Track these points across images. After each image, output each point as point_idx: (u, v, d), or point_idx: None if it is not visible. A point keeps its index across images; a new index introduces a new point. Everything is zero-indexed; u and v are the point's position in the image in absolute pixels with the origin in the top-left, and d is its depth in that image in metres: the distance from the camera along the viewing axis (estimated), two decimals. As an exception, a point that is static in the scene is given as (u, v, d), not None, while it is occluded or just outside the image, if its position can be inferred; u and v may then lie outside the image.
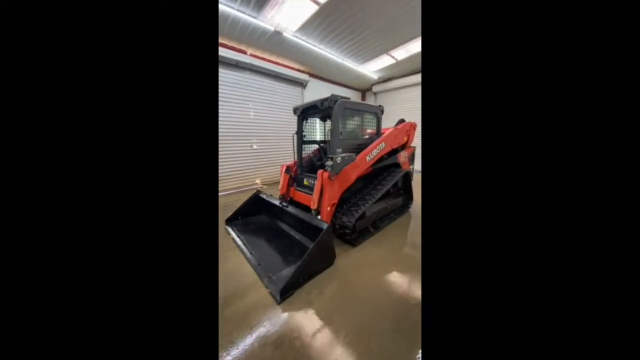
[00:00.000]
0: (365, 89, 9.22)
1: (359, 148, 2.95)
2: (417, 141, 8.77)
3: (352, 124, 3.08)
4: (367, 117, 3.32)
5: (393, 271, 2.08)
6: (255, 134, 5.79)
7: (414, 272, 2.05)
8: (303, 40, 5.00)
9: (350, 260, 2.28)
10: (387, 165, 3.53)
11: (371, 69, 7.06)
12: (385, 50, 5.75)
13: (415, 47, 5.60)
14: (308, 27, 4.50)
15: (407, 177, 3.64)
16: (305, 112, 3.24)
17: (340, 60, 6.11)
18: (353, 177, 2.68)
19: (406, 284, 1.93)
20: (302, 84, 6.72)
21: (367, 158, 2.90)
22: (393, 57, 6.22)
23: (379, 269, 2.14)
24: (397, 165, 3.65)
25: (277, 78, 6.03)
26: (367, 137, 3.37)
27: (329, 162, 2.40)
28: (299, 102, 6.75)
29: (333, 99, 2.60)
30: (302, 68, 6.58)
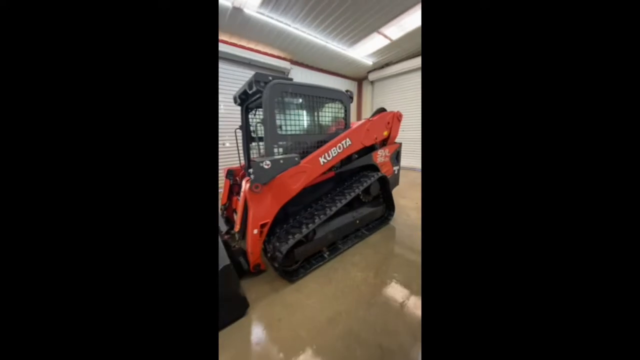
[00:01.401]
0: (360, 78, 8.30)
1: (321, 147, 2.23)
2: (411, 136, 8.00)
3: (303, 114, 2.34)
4: (330, 105, 2.57)
5: (338, 323, 1.40)
6: (227, 130, 5.19)
7: (370, 329, 1.36)
8: (271, 18, 4.25)
9: (274, 308, 1.61)
10: (361, 167, 2.79)
11: (363, 53, 6.15)
12: (375, 27, 4.86)
13: (410, 22, 4.66)
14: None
15: (384, 181, 2.87)
16: (246, 101, 2.54)
17: (322, 43, 5.29)
18: (295, 186, 1.97)
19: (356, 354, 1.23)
20: (283, 73, 5.99)
21: (322, 160, 2.18)
22: (386, 37, 5.29)
23: (314, 323, 1.46)
24: (374, 168, 2.89)
25: (252, 66, 5.34)
26: (335, 132, 2.64)
27: (251, 169, 1.72)
28: (281, 94, 6.04)
29: (261, 79, 1.88)
30: (282, 54, 5.83)
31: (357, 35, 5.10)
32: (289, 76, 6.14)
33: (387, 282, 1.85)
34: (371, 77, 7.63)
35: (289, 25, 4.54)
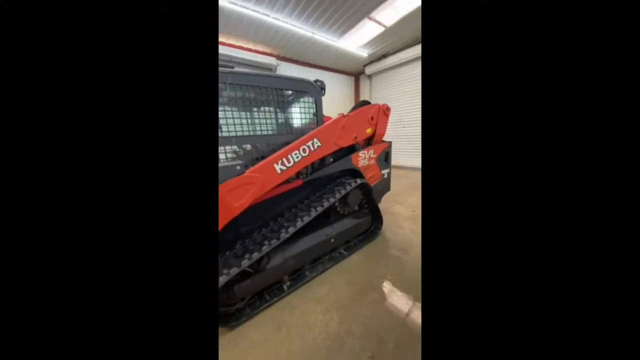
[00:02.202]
0: (357, 72, 7.76)
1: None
2: (400, 133, 7.02)
3: (256, 111, 1.91)
4: (295, 99, 2.12)
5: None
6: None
7: None
8: (246, 8, 3.86)
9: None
10: (341, 173, 2.33)
11: (356, 44, 5.64)
12: (365, 12, 4.34)
13: (404, 4, 4.11)
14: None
15: (365, 189, 2.38)
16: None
17: (309, 34, 4.84)
18: (239, 203, 1.54)
19: None
20: (270, 70, 5.60)
21: (278, 168, 1.74)
22: (380, 23, 4.77)
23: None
24: (355, 173, 2.42)
25: (233, 64, 4.99)
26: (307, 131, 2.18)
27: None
28: (268, 92, 5.66)
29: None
30: (267, 50, 5.44)
31: (345, 23, 4.61)
32: (277, 72, 5.84)
33: (353, 332, 1.37)
34: (368, 70, 7.08)
35: (268, 16, 4.13)
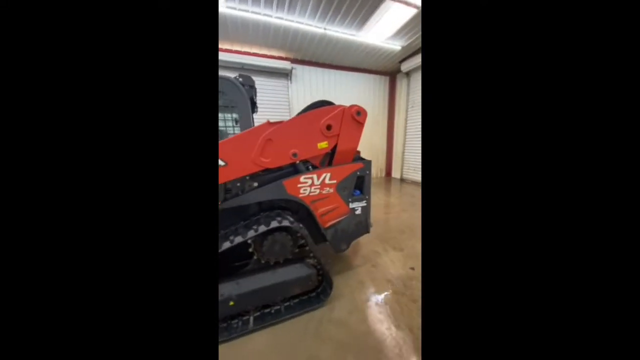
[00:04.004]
0: (394, 71, 6.56)
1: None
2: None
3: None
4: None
5: None
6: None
7: None
8: (245, 11, 3.64)
9: None
10: (270, 206, 1.66)
11: (383, 35, 4.64)
12: (385, -8, 3.42)
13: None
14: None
15: (293, 233, 1.58)
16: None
17: (321, 30, 4.26)
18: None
19: None
20: (285, 75, 5.32)
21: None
22: (408, 3, 3.68)
23: None
24: (297, 205, 1.68)
25: (245, 71, 4.93)
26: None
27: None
28: (284, 98, 5.43)
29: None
30: (281, 54, 5.18)
31: (360, 10, 3.78)
32: (297, 77, 5.50)
33: None
34: (404, 67, 5.83)
35: (270, 16, 3.82)
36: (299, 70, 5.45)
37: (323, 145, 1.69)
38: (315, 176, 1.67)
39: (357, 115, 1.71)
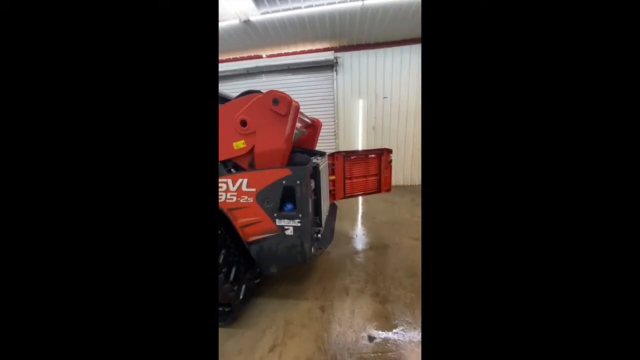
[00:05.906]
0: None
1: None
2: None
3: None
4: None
5: None
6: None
7: None
8: (277, 11, 3.69)
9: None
10: None
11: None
12: None
13: None
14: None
15: None
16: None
17: (358, 3, 3.56)
18: None
19: None
20: (330, 67, 4.99)
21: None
22: None
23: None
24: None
25: (299, 70, 5.05)
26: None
27: None
28: (328, 91, 5.20)
29: None
30: (327, 44, 4.85)
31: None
32: (344, 67, 5.01)
33: None
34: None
35: (300, 7, 3.66)
36: (345, 58, 4.92)
37: (239, 145, 1.43)
38: (230, 181, 1.45)
39: (274, 105, 1.28)
